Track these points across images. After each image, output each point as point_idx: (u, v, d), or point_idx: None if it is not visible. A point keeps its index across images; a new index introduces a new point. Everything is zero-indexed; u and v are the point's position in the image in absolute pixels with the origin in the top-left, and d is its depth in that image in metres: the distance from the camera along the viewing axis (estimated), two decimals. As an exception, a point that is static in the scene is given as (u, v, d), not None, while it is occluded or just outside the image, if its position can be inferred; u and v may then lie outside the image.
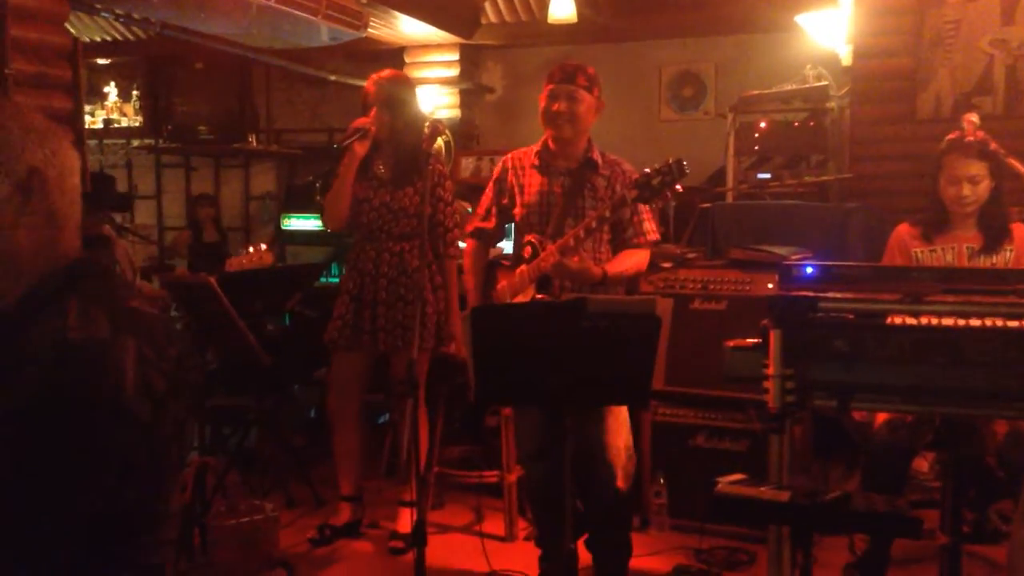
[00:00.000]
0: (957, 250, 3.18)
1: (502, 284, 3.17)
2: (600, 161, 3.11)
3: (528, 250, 3.06)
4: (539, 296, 2.97)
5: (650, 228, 3.16)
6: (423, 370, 3.64)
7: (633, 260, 3.12)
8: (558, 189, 3.09)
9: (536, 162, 3.16)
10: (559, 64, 3.15)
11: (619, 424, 3.08)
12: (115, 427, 1.13)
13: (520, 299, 3.05)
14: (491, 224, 3.29)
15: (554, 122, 3.08)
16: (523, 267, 3.07)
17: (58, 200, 1.28)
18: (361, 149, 3.55)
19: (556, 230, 2.99)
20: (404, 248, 3.64)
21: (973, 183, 3.12)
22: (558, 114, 3.06)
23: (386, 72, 3.75)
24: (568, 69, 3.09)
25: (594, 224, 2.92)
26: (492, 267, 3.27)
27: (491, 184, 3.31)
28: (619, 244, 3.14)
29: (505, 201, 3.23)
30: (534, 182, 3.15)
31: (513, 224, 3.24)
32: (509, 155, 3.27)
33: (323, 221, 3.76)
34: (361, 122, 3.56)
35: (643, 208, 3.10)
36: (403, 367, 3.58)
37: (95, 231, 4.32)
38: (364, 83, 3.82)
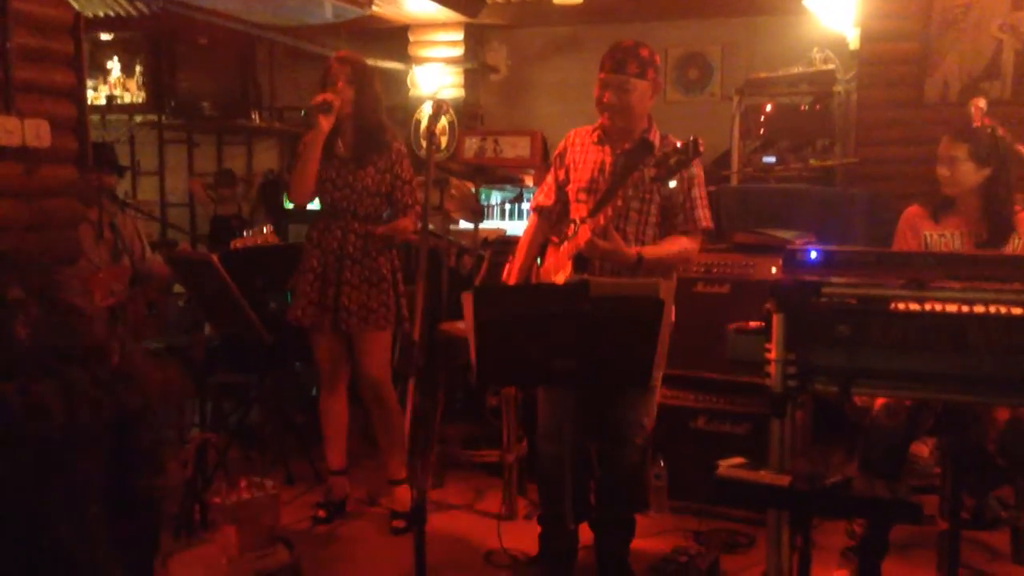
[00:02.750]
0: (965, 236, 3.16)
1: (549, 261, 3.15)
2: (657, 143, 3.03)
3: (571, 228, 3.04)
4: (576, 275, 2.94)
5: (702, 216, 3.05)
6: (387, 349, 3.71)
7: (678, 246, 3.02)
8: (610, 167, 3.06)
9: (594, 139, 3.13)
10: (610, 49, 3.01)
11: (651, 405, 3.09)
12: None
13: (559, 277, 3.03)
14: (550, 200, 3.24)
15: (606, 113, 3.02)
16: (566, 244, 3.05)
17: None
18: (327, 124, 3.52)
19: (599, 208, 2.95)
20: (368, 230, 3.65)
21: (951, 164, 3.11)
22: (609, 106, 2.99)
23: (346, 52, 3.75)
24: (618, 57, 2.97)
25: (620, 202, 2.88)
26: (546, 244, 3.25)
27: (553, 160, 3.28)
28: (669, 229, 3.06)
29: (562, 177, 3.20)
30: (589, 159, 3.10)
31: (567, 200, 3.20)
32: (572, 132, 3.23)
33: (290, 197, 3.76)
34: (323, 96, 3.54)
35: (697, 195, 3.03)
36: (370, 347, 3.65)
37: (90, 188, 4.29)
38: (368, 62, 3.80)
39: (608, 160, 3.06)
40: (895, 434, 3.01)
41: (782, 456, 2.32)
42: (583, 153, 3.13)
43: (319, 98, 3.53)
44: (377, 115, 3.65)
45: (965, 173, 3.10)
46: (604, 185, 3.02)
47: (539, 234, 3.28)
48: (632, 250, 2.92)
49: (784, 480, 2.14)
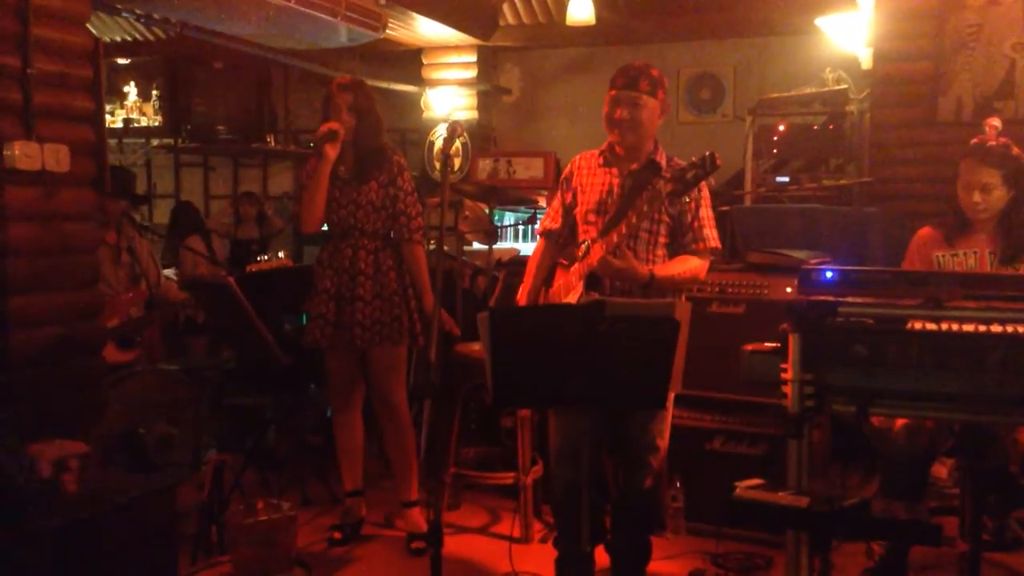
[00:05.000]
0: (980, 255, 3.15)
1: (558, 283, 3.16)
2: (664, 164, 3.04)
3: (581, 249, 3.05)
4: (588, 295, 2.95)
5: (710, 235, 3.07)
6: (401, 367, 3.74)
7: (688, 266, 3.03)
8: (618, 189, 3.07)
9: (600, 161, 3.15)
10: (622, 68, 3.05)
11: (666, 426, 3.09)
12: None
13: (570, 297, 3.04)
14: (558, 224, 3.26)
15: (616, 129, 3.04)
16: (576, 265, 3.06)
17: None
18: (333, 152, 3.58)
19: (609, 228, 2.96)
20: (378, 246, 3.68)
21: (985, 191, 3.09)
22: (620, 122, 3.01)
23: (347, 77, 3.79)
24: (631, 74, 3.01)
25: (635, 220, 2.89)
26: (554, 267, 3.26)
27: (559, 184, 3.30)
28: (677, 249, 3.07)
29: (569, 200, 3.22)
30: (596, 181, 3.12)
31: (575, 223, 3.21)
32: (577, 156, 3.25)
33: (300, 225, 3.81)
34: (329, 126, 3.58)
35: (705, 215, 3.05)
36: (384, 364, 3.68)
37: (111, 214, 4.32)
38: (382, 84, 3.84)
39: (616, 182, 3.08)
40: (916, 456, 2.99)
41: (800, 477, 2.30)
42: (590, 176, 3.15)
43: (324, 128, 3.58)
44: (378, 138, 3.70)
45: (998, 198, 3.09)
46: (613, 206, 3.04)
47: (547, 257, 3.30)
48: (644, 268, 2.93)
49: (802, 501, 2.13)
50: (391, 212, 3.70)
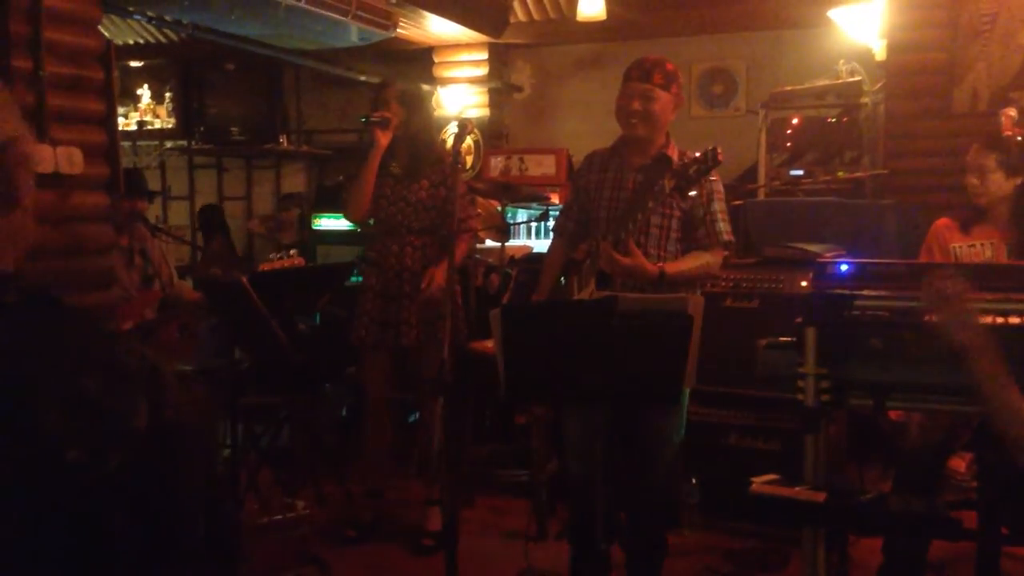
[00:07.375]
0: (996, 246, 3.12)
1: (571, 281, 3.16)
2: (676, 158, 3.01)
3: (592, 246, 3.04)
4: (598, 292, 2.93)
5: (724, 229, 3.05)
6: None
7: (700, 261, 3.02)
8: (630, 185, 3.06)
9: (612, 157, 3.14)
10: (636, 61, 3.06)
11: (681, 422, 3.07)
12: None
13: (583, 295, 3.03)
14: (571, 221, 3.25)
15: (628, 121, 3.04)
16: (588, 263, 3.05)
17: None
18: (384, 139, 3.62)
19: (619, 225, 2.95)
20: (426, 243, 3.70)
21: (981, 173, 3.08)
22: (633, 113, 3.01)
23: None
24: (644, 67, 3.02)
25: (640, 217, 2.87)
26: (568, 265, 3.26)
27: (572, 181, 3.30)
28: (690, 244, 3.06)
29: (582, 197, 3.21)
30: (608, 178, 3.11)
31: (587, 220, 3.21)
32: (590, 153, 3.26)
33: (346, 213, 3.83)
34: (382, 112, 3.62)
35: (718, 208, 3.03)
36: (428, 363, 3.64)
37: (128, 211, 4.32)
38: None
39: (627, 177, 3.06)
40: (931, 449, 2.96)
41: (816, 472, 2.28)
42: (601, 172, 3.14)
43: (377, 114, 3.60)
44: (429, 133, 3.73)
45: (996, 182, 3.07)
46: (623, 202, 3.02)
47: (561, 254, 3.29)
48: (654, 266, 2.91)
49: (819, 497, 2.11)
50: (441, 211, 3.71)
